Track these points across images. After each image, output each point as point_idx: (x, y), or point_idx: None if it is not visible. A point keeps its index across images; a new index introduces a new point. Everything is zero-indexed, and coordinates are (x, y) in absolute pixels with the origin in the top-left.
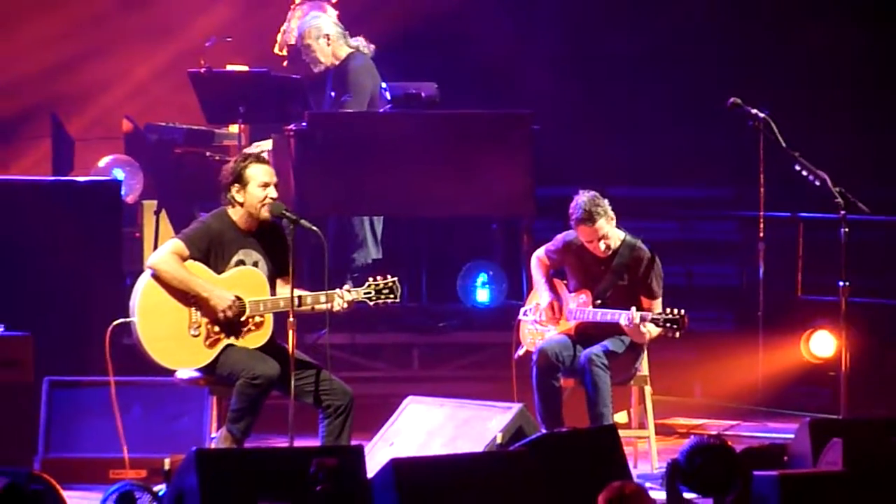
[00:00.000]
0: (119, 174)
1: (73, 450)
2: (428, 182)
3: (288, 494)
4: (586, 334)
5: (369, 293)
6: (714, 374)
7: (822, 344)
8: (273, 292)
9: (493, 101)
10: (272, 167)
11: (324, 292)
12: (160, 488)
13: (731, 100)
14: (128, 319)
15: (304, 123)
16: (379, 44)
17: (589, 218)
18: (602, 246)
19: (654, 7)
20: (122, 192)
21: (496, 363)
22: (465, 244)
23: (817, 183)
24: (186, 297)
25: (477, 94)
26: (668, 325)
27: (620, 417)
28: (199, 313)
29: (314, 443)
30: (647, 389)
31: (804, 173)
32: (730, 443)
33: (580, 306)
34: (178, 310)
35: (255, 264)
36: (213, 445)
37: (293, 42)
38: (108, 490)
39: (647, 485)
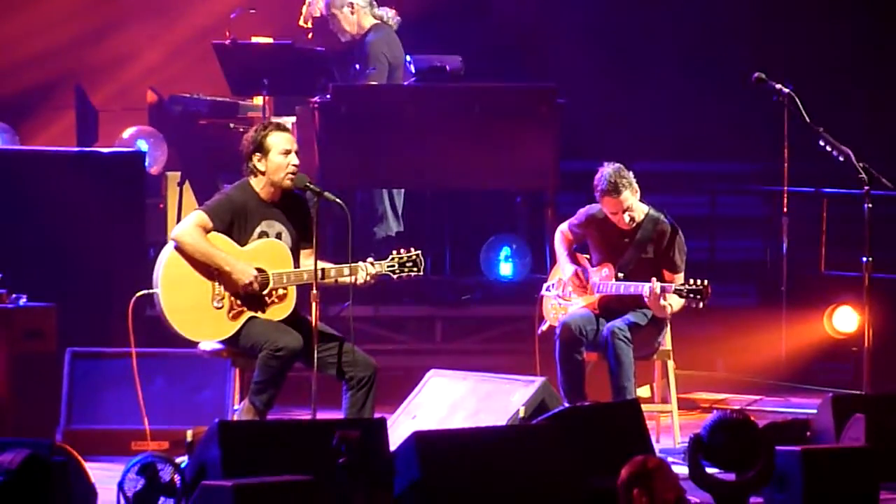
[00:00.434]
0: (143, 145)
1: (95, 421)
2: (452, 155)
3: (310, 467)
4: (609, 308)
5: (393, 266)
6: (737, 348)
7: (845, 319)
8: (297, 264)
9: (518, 75)
10: (296, 139)
11: (347, 265)
12: (182, 460)
13: (756, 74)
14: (151, 291)
15: (328, 96)
16: (405, 16)
17: (614, 189)
18: (626, 218)
19: None
20: (146, 164)
21: (519, 337)
22: (489, 218)
23: (841, 158)
24: (209, 269)
25: (502, 68)
26: (692, 295)
27: (643, 392)
28: (222, 286)
29: (337, 415)
30: (670, 364)
31: (828, 148)
32: (752, 418)
33: (603, 279)
34: (202, 282)
35: (279, 235)
36: (235, 417)
37: (318, 14)
38: (129, 462)
39: (670, 459)
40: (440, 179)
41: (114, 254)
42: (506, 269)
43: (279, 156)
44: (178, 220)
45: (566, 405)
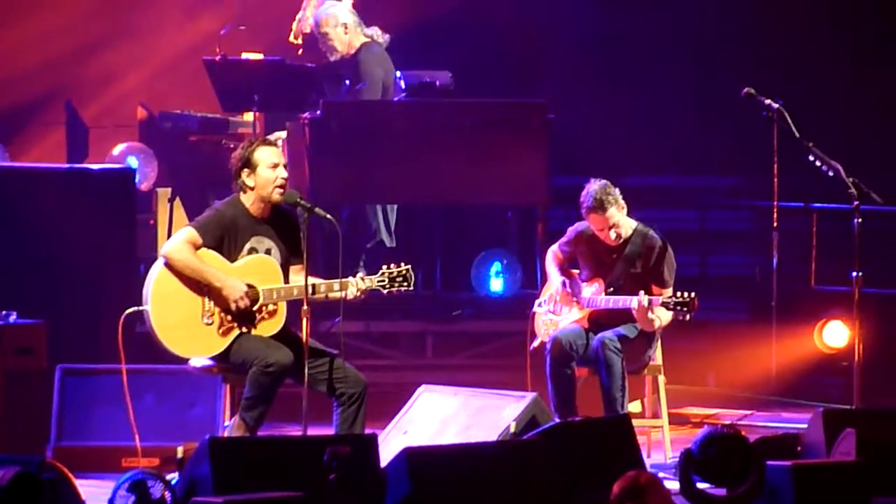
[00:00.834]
0: (133, 162)
1: (85, 438)
2: (442, 171)
3: (301, 483)
4: (599, 323)
5: (383, 281)
6: (728, 363)
7: (836, 334)
8: (287, 280)
9: (508, 90)
10: (286, 155)
11: (337, 280)
12: (173, 476)
13: (746, 90)
14: (141, 307)
15: (318, 112)
16: (393, 32)
17: (599, 206)
18: (612, 234)
19: None
20: (137, 180)
21: (510, 352)
22: (479, 233)
23: (830, 173)
24: (199, 285)
25: (492, 83)
26: (679, 307)
27: (634, 407)
28: (212, 302)
29: (328, 431)
30: (661, 379)
31: (818, 163)
32: (743, 432)
33: (593, 294)
34: (192, 298)
35: (268, 251)
36: (226, 434)
37: (308, 31)
38: (120, 478)
39: (661, 474)
40: (430, 195)
41: (104, 270)
42: (496, 284)
43: (267, 170)
44: (169, 236)
45: (557, 420)
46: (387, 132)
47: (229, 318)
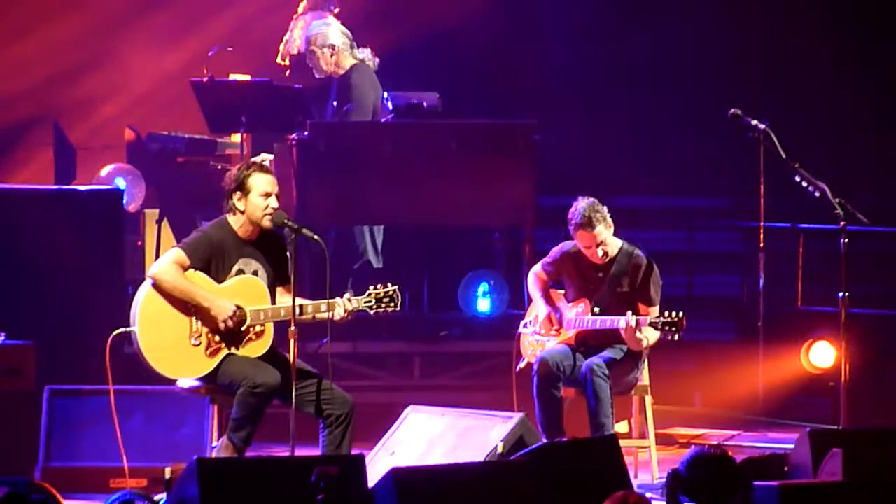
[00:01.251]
0: (121, 183)
1: (73, 459)
2: (430, 192)
3: None
4: (586, 343)
5: (370, 302)
6: (714, 384)
7: (822, 354)
8: (273, 301)
9: (495, 111)
10: (275, 177)
11: (325, 301)
12: (161, 497)
13: (732, 111)
14: (129, 328)
15: (306, 133)
16: (381, 53)
17: (588, 223)
18: (600, 252)
19: (657, 16)
20: (124, 201)
21: (497, 372)
22: (466, 253)
23: (817, 194)
24: (187, 306)
25: (479, 104)
26: (667, 327)
27: (621, 427)
28: (199, 323)
29: (315, 452)
30: (648, 399)
31: (804, 184)
32: (730, 453)
33: (579, 315)
34: (179, 319)
35: (255, 273)
36: (213, 454)
37: (295, 52)
38: (108, 499)
39: (648, 495)
40: (418, 215)
41: (92, 291)
42: (484, 304)
43: (259, 197)
44: (157, 257)
45: (544, 441)
46: (374, 153)
47: (217, 338)
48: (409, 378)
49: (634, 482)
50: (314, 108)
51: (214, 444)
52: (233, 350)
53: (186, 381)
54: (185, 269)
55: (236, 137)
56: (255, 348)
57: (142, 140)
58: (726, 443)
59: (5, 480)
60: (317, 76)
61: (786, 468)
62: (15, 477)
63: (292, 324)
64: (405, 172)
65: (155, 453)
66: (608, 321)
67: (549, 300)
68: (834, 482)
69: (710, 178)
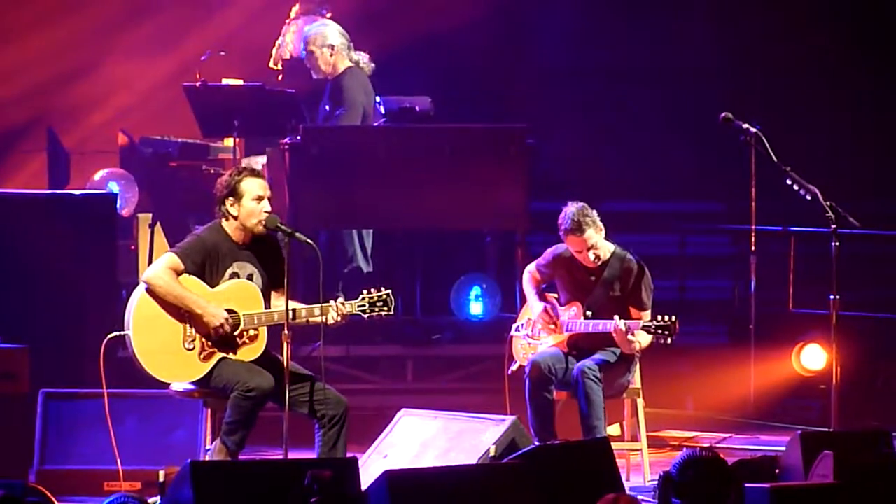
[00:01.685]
0: (114, 187)
1: (68, 462)
2: (422, 196)
3: None
4: (578, 347)
5: (363, 306)
6: (706, 386)
7: (813, 357)
8: (267, 305)
9: (488, 116)
10: (267, 181)
11: (318, 305)
12: (155, 500)
13: (723, 114)
14: (122, 332)
15: (298, 137)
16: (373, 57)
17: (578, 228)
18: (591, 256)
19: (649, 22)
20: (118, 206)
21: (490, 376)
22: (459, 257)
23: (808, 197)
24: (180, 311)
25: (472, 108)
26: (660, 331)
27: (613, 430)
28: (193, 328)
29: (309, 455)
30: (640, 402)
31: (795, 187)
32: (722, 455)
33: (571, 318)
34: (173, 323)
35: (250, 277)
36: (207, 458)
37: (288, 56)
38: (102, 502)
39: (640, 497)
40: (410, 220)
41: (86, 295)
42: (476, 308)
43: (252, 202)
44: (150, 261)
45: (537, 444)
46: (367, 157)
47: (210, 343)
48: (402, 381)
49: (626, 485)
50: (307, 112)
51: (208, 447)
52: (226, 354)
53: (180, 385)
54: (180, 273)
55: (229, 142)
56: (249, 352)
57: (135, 144)
58: (718, 445)
59: (0, 483)
60: (314, 76)
61: (777, 470)
62: (10, 480)
63: (286, 328)
64: (397, 176)
65: (149, 456)
66: (600, 324)
67: (543, 299)
68: (825, 484)
69: (702, 183)
